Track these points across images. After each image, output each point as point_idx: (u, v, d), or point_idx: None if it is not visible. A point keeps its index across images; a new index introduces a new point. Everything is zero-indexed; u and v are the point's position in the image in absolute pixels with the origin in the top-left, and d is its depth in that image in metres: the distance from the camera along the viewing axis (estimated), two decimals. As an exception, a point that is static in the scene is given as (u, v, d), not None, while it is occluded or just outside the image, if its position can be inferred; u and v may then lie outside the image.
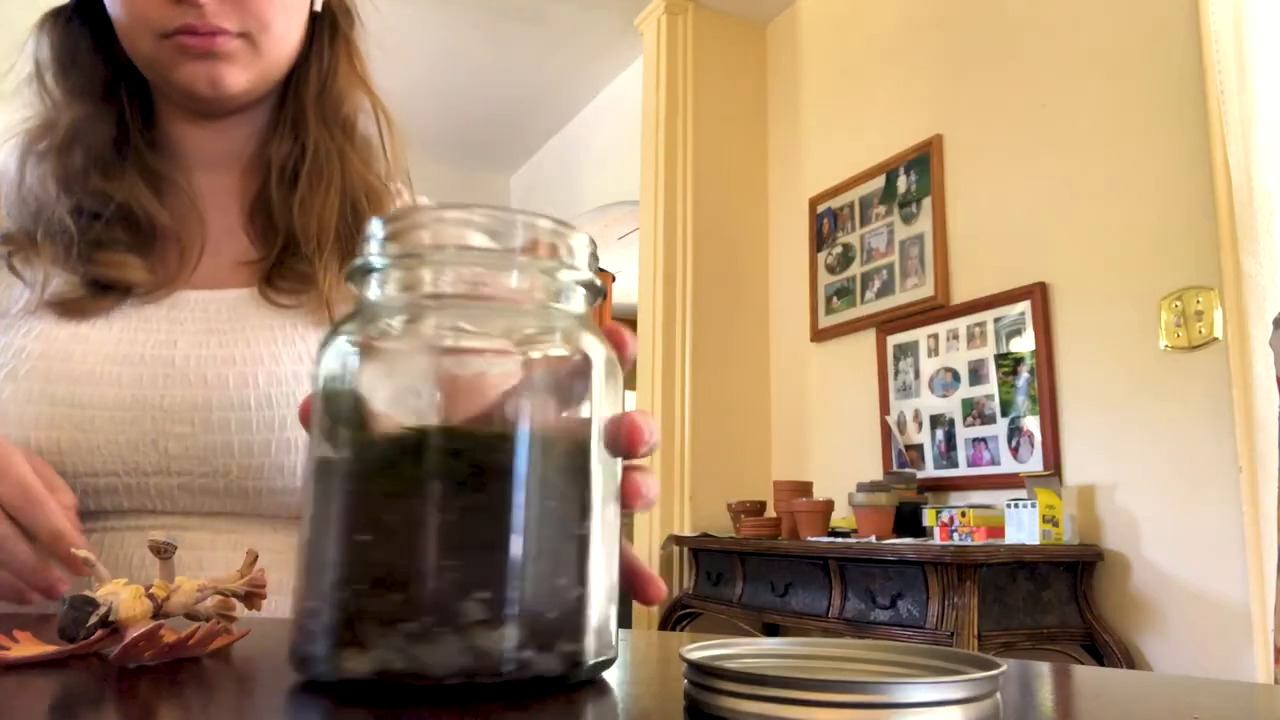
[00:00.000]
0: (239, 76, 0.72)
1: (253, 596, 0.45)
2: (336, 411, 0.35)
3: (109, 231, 0.73)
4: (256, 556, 0.45)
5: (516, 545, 0.32)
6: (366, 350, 0.35)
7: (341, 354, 0.35)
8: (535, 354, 0.35)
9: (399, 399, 0.35)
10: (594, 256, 0.37)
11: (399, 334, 0.35)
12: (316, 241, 0.76)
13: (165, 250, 0.75)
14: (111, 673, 0.36)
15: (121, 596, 0.39)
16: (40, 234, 0.71)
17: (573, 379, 0.35)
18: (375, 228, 0.36)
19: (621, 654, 0.47)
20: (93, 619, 0.38)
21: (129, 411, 0.66)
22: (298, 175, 0.78)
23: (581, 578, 0.34)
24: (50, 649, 0.37)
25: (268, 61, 0.74)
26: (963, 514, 2.23)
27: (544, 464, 0.34)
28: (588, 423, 0.35)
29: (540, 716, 0.30)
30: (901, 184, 2.86)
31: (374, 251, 0.35)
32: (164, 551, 0.44)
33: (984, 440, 2.50)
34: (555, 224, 0.36)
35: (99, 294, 0.70)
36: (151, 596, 0.40)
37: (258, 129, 0.81)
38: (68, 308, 0.69)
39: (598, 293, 0.38)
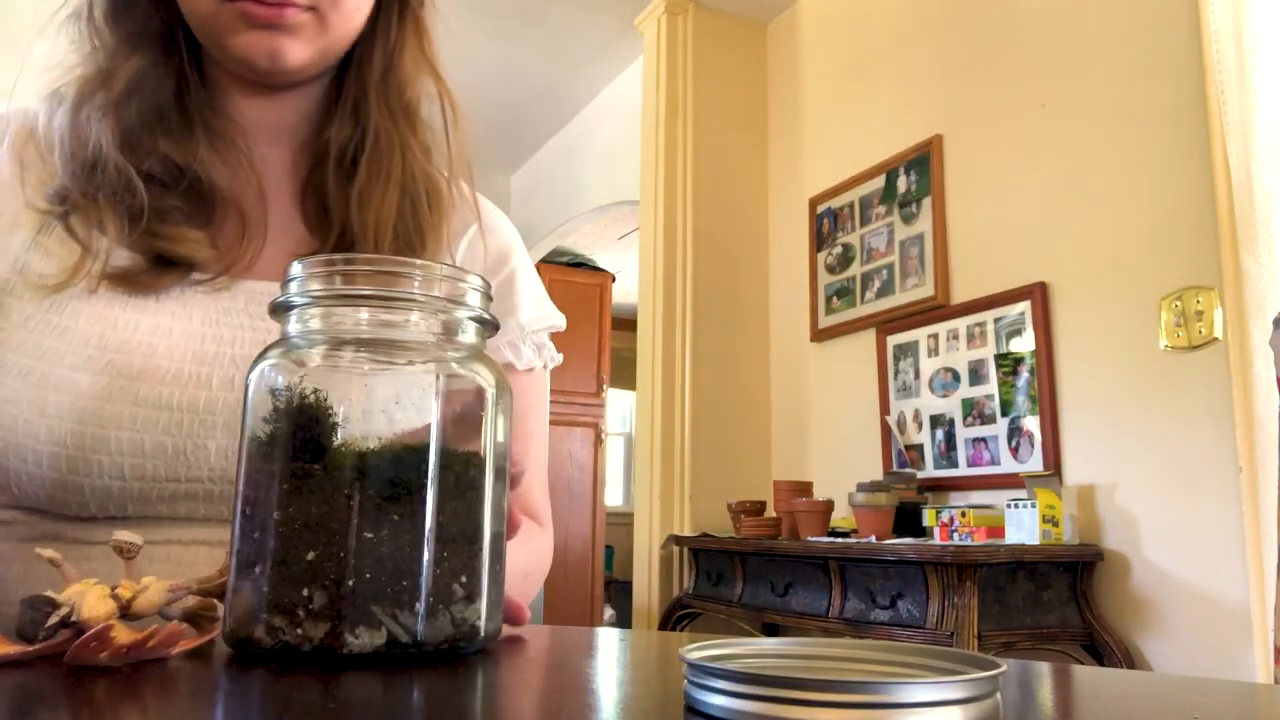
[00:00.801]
0: (301, 52, 0.67)
1: None
2: (308, 427, 0.41)
3: (169, 198, 0.68)
4: None
5: (483, 539, 0.42)
6: (311, 374, 0.41)
7: (288, 376, 0.41)
8: (441, 380, 0.42)
9: (357, 416, 0.41)
10: (486, 297, 0.45)
11: (330, 361, 0.42)
12: (374, 241, 0.71)
13: (226, 223, 0.71)
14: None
15: (85, 597, 0.39)
16: (103, 196, 0.66)
17: (474, 403, 0.43)
18: (295, 269, 0.42)
19: (621, 654, 0.48)
20: (52, 619, 0.37)
21: (220, 416, 0.63)
22: (356, 163, 0.74)
23: (504, 563, 0.45)
24: (13, 649, 0.37)
25: (332, 38, 0.69)
26: (963, 514, 2.23)
27: (492, 475, 0.43)
28: (496, 439, 0.44)
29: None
30: (901, 184, 2.86)
31: (295, 291, 0.42)
32: (127, 551, 0.43)
33: (984, 440, 2.50)
34: (451, 269, 0.44)
35: (161, 270, 0.66)
36: (116, 597, 0.40)
37: (312, 105, 0.77)
38: (129, 283, 0.65)
39: (490, 327, 0.45)
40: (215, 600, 0.45)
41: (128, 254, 0.66)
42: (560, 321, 0.85)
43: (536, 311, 0.82)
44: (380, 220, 0.72)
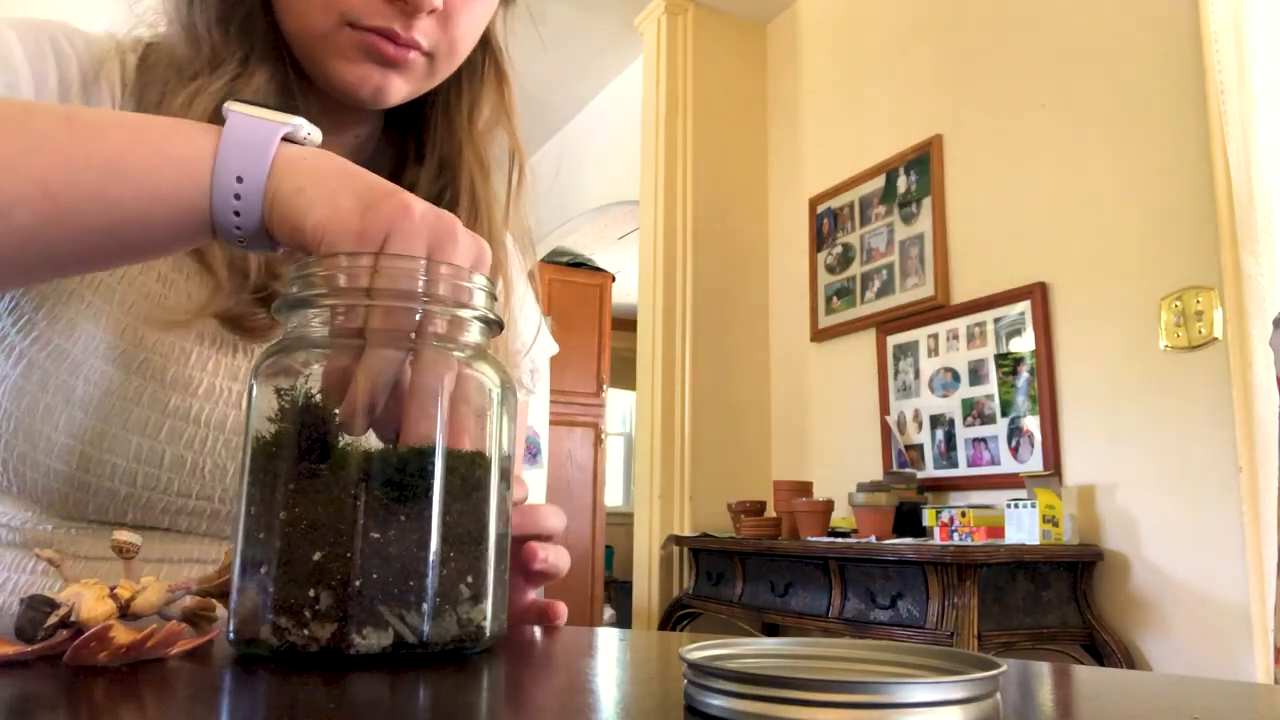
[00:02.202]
0: (403, 91, 0.65)
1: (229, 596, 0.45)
2: (314, 427, 0.40)
3: None
4: None
5: (489, 539, 0.42)
6: (316, 374, 0.41)
7: (293, 375, 0.41)
8: (446, 380, 0.42)
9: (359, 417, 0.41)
10: (490, 296, 0.45)
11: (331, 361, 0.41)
12: None
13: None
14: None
15: (84, 597, 0.38)
16: None
17: (480, 403, 0.43)
18: (299, 268, 0.42)
19: (621, 654, 0.48)
20: (51, 619, 0.37)
21: (243, 438, 0.62)
22: None
23: (508, 563, 0.45)
24: (11, 649, 0.37)
25: (433, 82, 0.67)
26: (963, 514, 2.23)
27: (498, 476, 0.44)
28: (502, 439, 0.44)
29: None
30: (901, 184, 2.86)
31: (300, 289, 0.42)
32: (126, 551, 0.43)
33: (984, 440, 2.50)
34: (453, 269, 0.43)
35: (267, 316, 0.62)
36: (115, 597, 0.40)
37: (370, 134, 0.74)
38: (239, 329, 0.61)
39: (495, 327, 0.45)
40: (214, 600, 0.45)
41: (248, 294, 0.62)
42: (553, 346, 0.85)
43: (538, 345, 0.83)
44: None
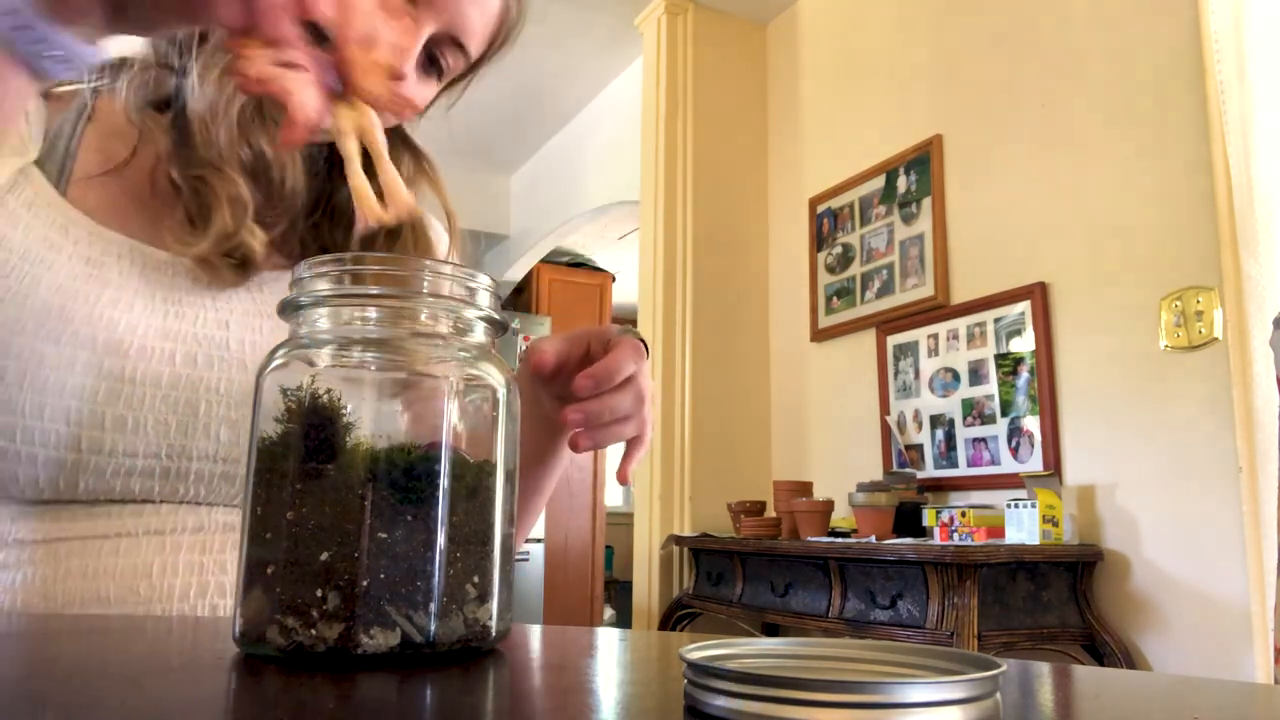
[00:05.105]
0: None
1: None
2: (321, 427, 0.41)
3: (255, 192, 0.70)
4: None
5: (494, 539, 0.43)
6: (323, 374, 0.41)
7: (300, 376, 0.41)
8: (449, 380, 0.42)
9: (369, 416, 0.42)
10: (495, 296, 0.45)
11: (341, 361, 0.43)
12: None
13: (278, 223, 0.74)
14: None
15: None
16: (242, 173, 0.68)
17: (485, 403, 0.44)
18: (303, 269, 0.42)
19: (621, 654, 0.48)
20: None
21: (182, 392, 0.64)
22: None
23: (513, 563, 0.45)
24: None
25: None
26: (963, 514, 2.23)
27: (503, 476, 0.44)
28: (506, 439, 0.45)
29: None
30: (901, 184, 2.86)
31: (304, 291, 0.42)
32: None
33: (984, 440, 2.50)
34: (457, 269, 0.44)
35: (238, 270, 0.68)
36: None
37: None
38: (213, 275, 0.67)
39: (499, 327, 0.45)
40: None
41: (229, 242, 0.67)
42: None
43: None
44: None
